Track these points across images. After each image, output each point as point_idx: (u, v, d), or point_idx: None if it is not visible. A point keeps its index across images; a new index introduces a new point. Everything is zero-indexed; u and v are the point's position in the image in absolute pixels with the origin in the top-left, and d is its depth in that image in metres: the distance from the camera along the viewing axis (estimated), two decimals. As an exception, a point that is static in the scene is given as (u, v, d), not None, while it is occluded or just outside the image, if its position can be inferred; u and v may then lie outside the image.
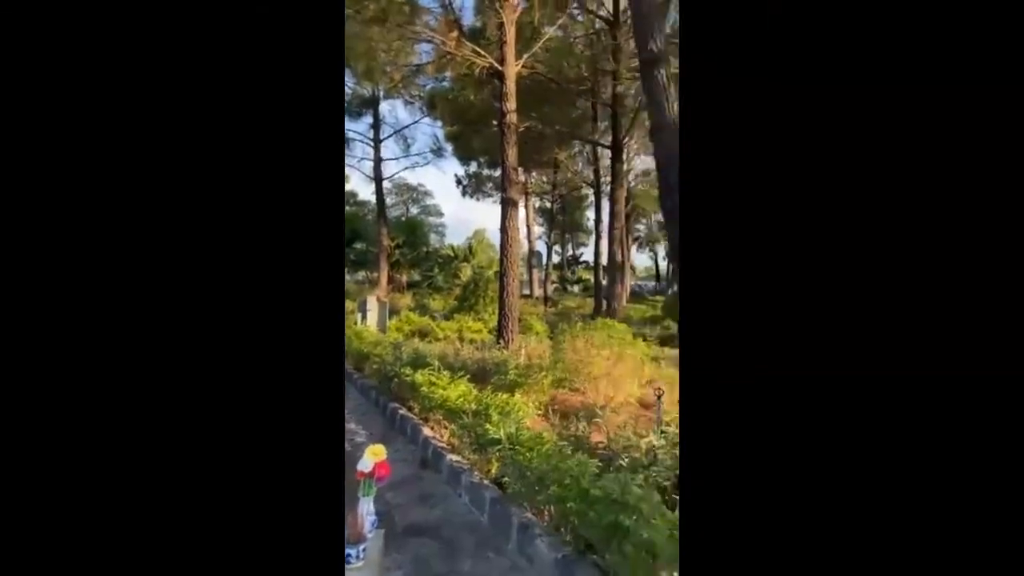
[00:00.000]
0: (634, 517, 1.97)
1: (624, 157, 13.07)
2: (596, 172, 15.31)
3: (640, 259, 33.94)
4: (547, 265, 26.01)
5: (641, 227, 30.62)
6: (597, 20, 11.48)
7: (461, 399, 3.70)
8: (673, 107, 3.46)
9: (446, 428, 3.80)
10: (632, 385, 4.80)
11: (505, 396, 3.66)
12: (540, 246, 27.74)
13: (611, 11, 11.04)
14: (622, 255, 15.90)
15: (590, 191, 18.66)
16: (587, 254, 31.37)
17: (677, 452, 2.73)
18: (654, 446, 2.87)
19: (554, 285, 25.81)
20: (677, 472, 2.65)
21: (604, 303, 13.14)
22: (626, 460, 2.83)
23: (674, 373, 4.97)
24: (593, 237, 15.50)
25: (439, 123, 17.51)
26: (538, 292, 23.15)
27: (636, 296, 22.86)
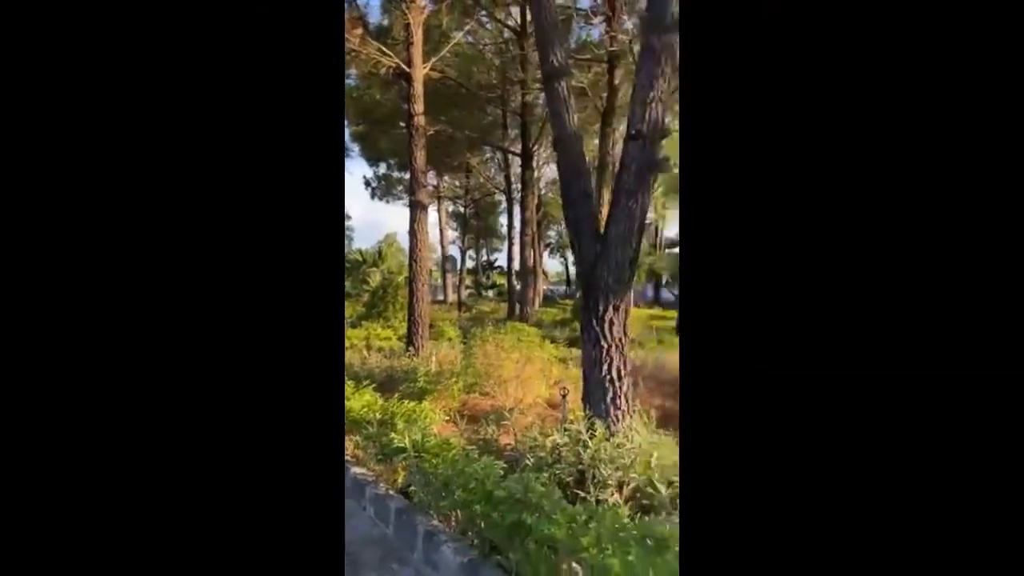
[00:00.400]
0: (536, 515, 2.03)
1: (533, 165, 13.45)
2: (507, 178, 15.60)
3: (552, 264, 35.00)
4: (461, 270, 25.93)
5: (553, 233, 31.66)
6: (505, 29, 11.74)
7: (366, 409, 3.56)
8: (574, 119, 3.63)
9: (350, 440, 3.64)
10: (541, 386, 4.94)
11: (412, 404, 3.58)
12: (454, 251, 27.62)
13: (519, 21, 11.35)
14: (534, 260, 16.32)
15: (503, 197, 18.95)
16: (501, 259, 31.78)
17: (580, 448, 2.85)
18: (558, 444, 2.97)
19: (468, 290, 25.81)
20: (579, 467, 2.77)
21: (517, 307, 13.40)
22: (532, 459, 2.90)
23: (579, 373, 5.21)
24: (506, 243, 15.75)
25: (344, 122, 16.76)
26: (452, 297, 23.00)
27: (548, 300, 23.54)
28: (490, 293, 26.96)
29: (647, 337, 10.27)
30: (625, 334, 3.37)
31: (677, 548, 1.78)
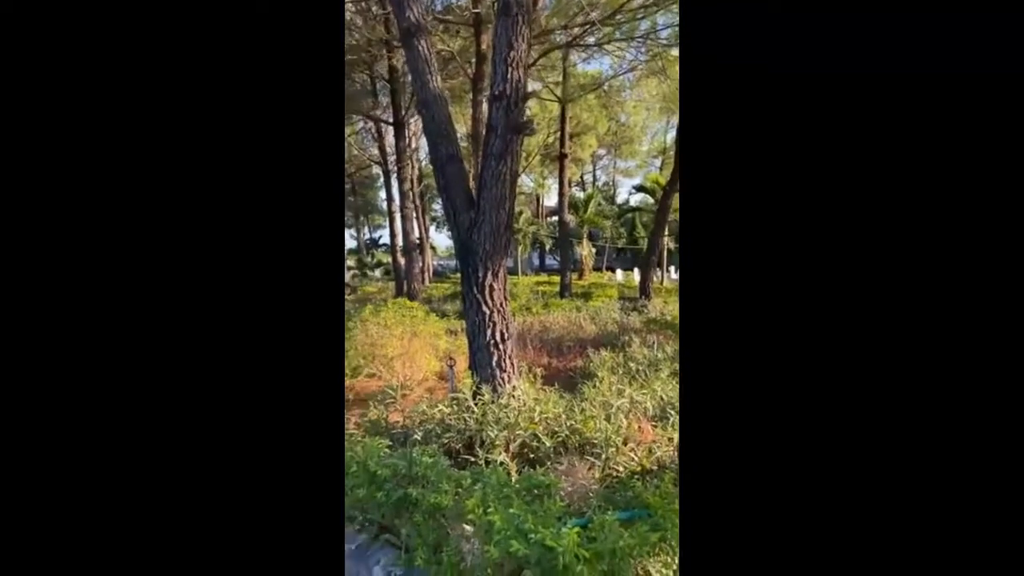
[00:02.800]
0: (422, 486, 1.99)
1: (407, 134, 12.91)
2: (382, 149, 14.81)
3: (441, 239, 34.32)
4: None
5: (438, 207, 31.02)
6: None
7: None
8: (437, 80, 3.48)
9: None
10: (431, 360, 4.87)
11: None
12: (333, 231, 25.72)
13: (379, -21, 10.55)
14: (420, 235, 15.88)
15: (380, 169, 18.00)
16: (385, 236, 30.51)
17: (467, 416, 2.85)
18: (446, 414, 2.95)
19: (352, 271, 24.49)
20: (467, 433, 2.78)
21: (405, 284, 13.01)
22: (420, 433, 2.85)
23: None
24: (388, 218, 15.09)
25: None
26: (335, 280, 21.57)
27: (439, 275, 23.30)
28: (376, 273, 25.83)
29: (534, 302, 10.67)
30: (505, 298, 3.40)
31: (556, 494, 1.86)
